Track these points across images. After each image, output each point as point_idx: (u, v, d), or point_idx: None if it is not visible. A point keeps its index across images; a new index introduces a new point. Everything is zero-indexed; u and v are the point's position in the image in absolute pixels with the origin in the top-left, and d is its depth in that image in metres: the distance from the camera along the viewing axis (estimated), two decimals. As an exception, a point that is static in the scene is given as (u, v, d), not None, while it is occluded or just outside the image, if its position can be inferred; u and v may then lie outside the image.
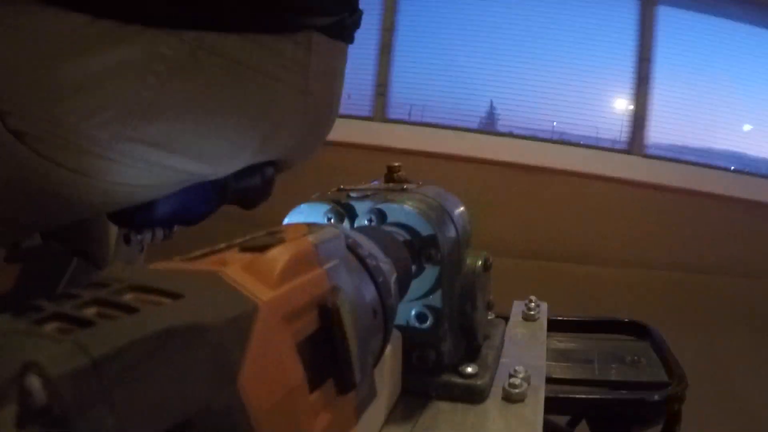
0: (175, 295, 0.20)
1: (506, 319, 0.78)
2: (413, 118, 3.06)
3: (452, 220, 0.61)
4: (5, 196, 0.60)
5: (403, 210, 0.56)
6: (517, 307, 0.84)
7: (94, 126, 0.55)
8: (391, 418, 0.52)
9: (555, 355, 0.86)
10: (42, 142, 0.56)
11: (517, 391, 0.56)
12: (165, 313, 0.19)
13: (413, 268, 0.55)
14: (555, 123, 3.00)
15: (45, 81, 0.55)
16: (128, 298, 0.19)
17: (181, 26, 0.57)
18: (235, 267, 0.24)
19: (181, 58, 0.57)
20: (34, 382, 0.14)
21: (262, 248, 0.27)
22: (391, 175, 0.68)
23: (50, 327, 0.17)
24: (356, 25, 0.76)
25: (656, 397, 0.73)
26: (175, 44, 0.56)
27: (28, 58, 0.55)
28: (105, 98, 0.55)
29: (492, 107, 3.01)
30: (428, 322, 0.57)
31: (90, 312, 0.18)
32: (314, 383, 0.26)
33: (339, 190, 0.62)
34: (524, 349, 0.69)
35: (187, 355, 0.18)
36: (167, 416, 0.17)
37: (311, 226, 0.33)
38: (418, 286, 0.56)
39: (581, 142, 2.99)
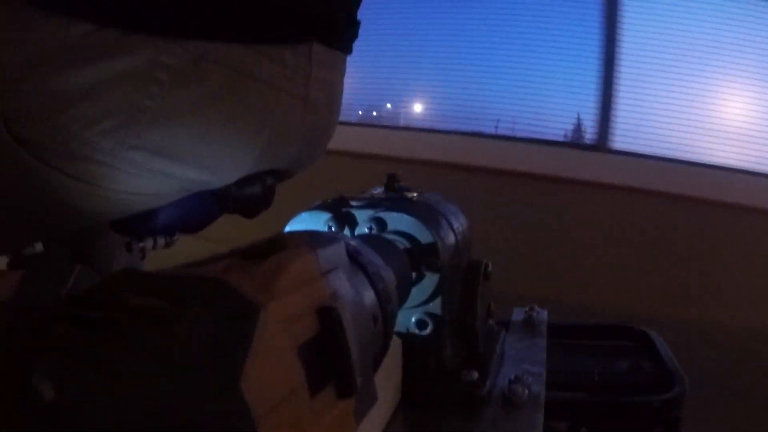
0: (179, 300, 0.20)
1: (507, 325, 0.79)
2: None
3: (452, 228, 0.61)
4: (8, 204, 0.60)
5: (403, 218, 0.57)
6: (518, 314, 0.84)
7: (96, 134, 0.56)
8: (391, 425, 0.52)
9: (555, 360, 0.86)
10: (45, 150, 0.56)
11: (517, 397, 0.56)
12: (170, 317, 0.19)
13: (413, 275, 0.56)
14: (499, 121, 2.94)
15: (49, 89, 0.55)
16: (134, 302, 0.20)
17: (184, 36, 0.57)
18: (237, 273, 0.24)
19: (184, 67, 0.58)
20: (42, 382, 0.15)
21: (264, 255, 0.27)
22: (391, 183, 0.68)
23: (58, 329, 0.17)
24: (354, 35, 0.77)
25: (657, 403, 0.74)
26: (177, 53, 0.57)
27: (32, 66, 0.55)
28: (108, 106, 0.56)
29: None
30: (428, 329, 0.58)
31: (96, 315, 0.18)
32: (315, 387, 0.26)
33: (339, 198, 0.62)
34: (524, 356, 0.69)
35: (192, 358, 0.19)
36: (171, 417, 0.17)
37: (312, 234, 0.33)
38: (418, 293, 0.57)
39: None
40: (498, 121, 2.90)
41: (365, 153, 2.49)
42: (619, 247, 2.41)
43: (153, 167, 0.60)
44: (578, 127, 2.85)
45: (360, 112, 3.10)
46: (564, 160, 2.67)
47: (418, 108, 3.12)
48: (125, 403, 0.16)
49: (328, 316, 0.28)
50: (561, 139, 2.84)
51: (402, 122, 3.06)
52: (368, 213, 0.58)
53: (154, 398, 0.17)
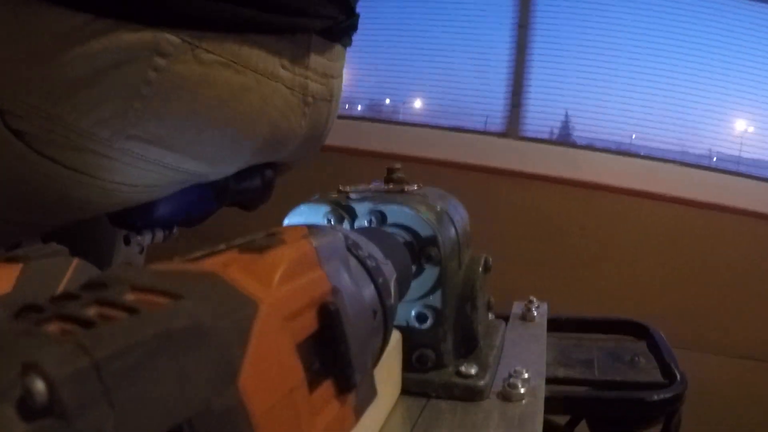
0: (175, 296, 0.20)
1: (506, 319, 0.79)
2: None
3: (452, 221, 0.61)
4: (5, 195, 0.60)
5: (403, 211, 0.56)
6: (517, 308, 0.84)
7: (93, 123, 0.56)
8: (390, 419, 0.52)
9: (555, 354, 0.86)
10: (42, 141, 0.56)
11: (516, 391, 0.56)
12: (166, 314, 0.19)
13: (413, 268, 0.56)
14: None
15: (45, 79, 0.55)
16: (129, 298, 0.19)
17: (182, 25, 0.57)
18: (235, 268, 0.24)
19: (181, 56, 0.57)
20: (36, 383, 0.14)
21: (262, 249, 0.27)
22: (390, 176, 0.68)
23: (51, 327, 0.17)
24: (353, 28, 0.77)
25: (656, 398, 0.73)
26: (175, 43, 0.57)
27: (28, 56, 0.55)
28: (105, 96, 0.56)
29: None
30: (428, 323, 0.57)
31: (91, 312, 0.18)
32: (314, 383, 0.26)
33: (339, 191, 0.62)
34: (524, 349, 0.69)
35: (188, 355, 0.18)
36: (168, 416, 0.17)
37: (311, 228, 0.33)
38: (418, 286, 0.57)
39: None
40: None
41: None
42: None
43: (150, 157, 0.60)
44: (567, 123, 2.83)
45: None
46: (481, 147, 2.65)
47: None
48: (121, 402, 0.16)
49: (327, 311, 0.27)
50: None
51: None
52: (368, 206, 0.57)
53: (151, 397, 0.17)
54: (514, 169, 2.51)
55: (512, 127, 2.69)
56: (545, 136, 2.80)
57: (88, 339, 0.16)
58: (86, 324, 0.17)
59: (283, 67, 0.65)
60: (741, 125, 2.64)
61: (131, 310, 0.18)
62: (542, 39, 2.66)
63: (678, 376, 0.77)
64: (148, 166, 0.60)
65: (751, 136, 2.62)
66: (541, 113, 2.73)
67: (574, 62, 2.67)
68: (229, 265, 0.24)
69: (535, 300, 0.84)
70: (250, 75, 0.62)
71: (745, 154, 2.63)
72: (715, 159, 2.66)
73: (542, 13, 2.64)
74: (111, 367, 0.16)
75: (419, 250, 0.56)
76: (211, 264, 0.24)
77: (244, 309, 0.22)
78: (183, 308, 0.20)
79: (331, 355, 0.28)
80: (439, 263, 0.57)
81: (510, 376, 0.58)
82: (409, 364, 0.57)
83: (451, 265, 0.58)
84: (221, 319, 0.21)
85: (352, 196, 0.59)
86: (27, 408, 0.14)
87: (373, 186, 0.66)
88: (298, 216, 0.58)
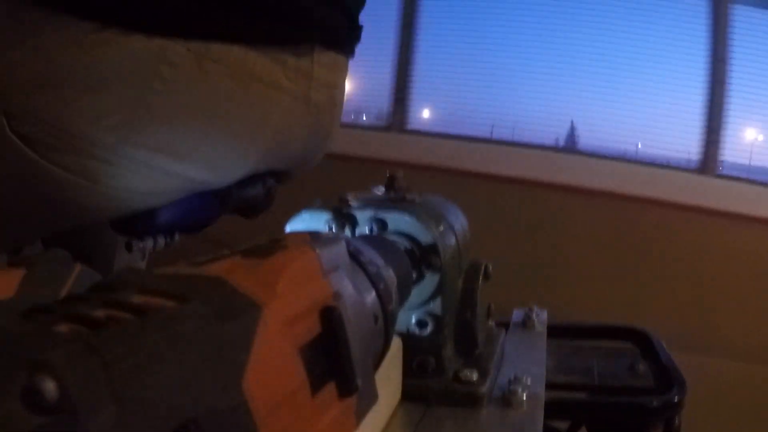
0: (181, 298, 0.20)
1: (506, 327, 0.79)
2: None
3: (452, 229, 0.61)
4: (10, 200, 0.60)
5: (404, 219, 0.57)
6: (517, 315, 0.84)
7: (99, 130, 0.56)
8: (390, 424, 0.52)
9: (554, 362, 0.86)
10: (47, 146, 0.56)
11: (517, 397, 0.56)
12: (172, 316, 0.19)
13: (414, 275, 0.56)
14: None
15: (51, 85, 0.55)
16: (136, 300, 0.20)
17: (188, 35, 0.58)
18: (239, 272, 0.25)
19: (187, 65, 0.58)
20: (46, 381, 0.15)
21: (266, 254, 0.27)
22: (391, 183, 0.68)
23: (61, 328, 0.17)
24: (356, 38, 0.78)
25: (656, 403, 0.74)
26: (181, 52, 0.57)
27: (35, 62, 0.55)
28: (111, 103, 0.56)
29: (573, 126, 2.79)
30: (428, 329, 0.58)
31: (99, 314, 0.18)
32: (316, 386, 0.26)
33: (340, 198, 0.62)
34: (524, 356, 0.69)
35: (194, 356, 0.19)
36: (174, 416, 0.18)
37: (314, 234, 0.33)
38: (418, 293, 0.57)
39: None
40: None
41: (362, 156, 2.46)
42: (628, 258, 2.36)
43: (154, 164, 0.60)
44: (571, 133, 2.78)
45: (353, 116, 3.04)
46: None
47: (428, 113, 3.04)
48: (128, 401, 0.16)
49: (329, 315, 0.28)
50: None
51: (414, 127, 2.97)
52: (369, 213, 0.58)
53: (158, 397, 0.17)
54: (517, 175, 2.51)
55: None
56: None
57: (97, 340, 0.16)
58: (95, 325, 0.17)
59: (287, 77, 0.66)
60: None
61: (138, 312, 0.19)
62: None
63: (677, 382, 0.77)
64: (152, 173, 0.61)
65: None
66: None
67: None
68: (233, 270, 0.25)
69: (535, 307, 0.84)
70: (255, 85, 0.63)
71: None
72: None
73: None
74: (119, 367, 0.16)
75: (420, 257, 0.57)
76: (215, 268, 0.25)
77: (248, 312, 0.23)
78: (189, 311, 0.20)
79: (333, 359, 0.28)
80: (439, 270, 0.57)
81: (510, 382, 0.58)
82: (409, 371, 0.57)
83: (451, 273, 0.59)
84: (226, 321, 0.21)
85: (353, 203, 0.59)
86: (36, 405, 0.15)
87: (374, 193, 0.66)
88: (300, 223, 0.59)
